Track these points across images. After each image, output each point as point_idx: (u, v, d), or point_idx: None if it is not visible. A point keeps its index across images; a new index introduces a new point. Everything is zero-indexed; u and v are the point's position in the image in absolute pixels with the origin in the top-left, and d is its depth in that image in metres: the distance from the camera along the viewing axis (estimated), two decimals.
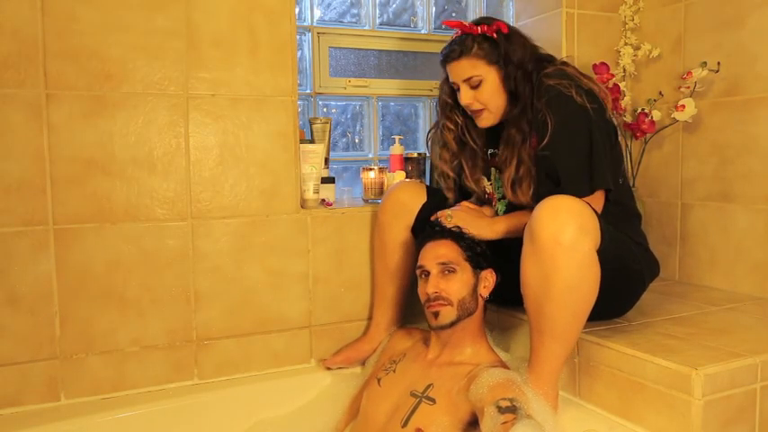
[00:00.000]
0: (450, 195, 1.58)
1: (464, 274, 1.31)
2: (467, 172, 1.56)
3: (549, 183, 1.33)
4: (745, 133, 1.69)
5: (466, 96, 1.43)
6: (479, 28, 1.41)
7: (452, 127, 1.55)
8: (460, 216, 1.40)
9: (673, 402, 1.12)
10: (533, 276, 1.18)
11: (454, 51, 1.42)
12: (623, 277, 1.31)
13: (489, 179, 1.55)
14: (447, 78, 1.51)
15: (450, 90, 1.53)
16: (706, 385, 1.09)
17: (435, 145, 1.62)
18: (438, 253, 1.32)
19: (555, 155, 1.32)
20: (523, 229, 1.22)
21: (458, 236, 1.34)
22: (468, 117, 1.52)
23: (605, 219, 1.24)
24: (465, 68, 1.42)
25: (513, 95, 1.41)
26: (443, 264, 1.31)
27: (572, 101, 1.31)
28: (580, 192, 1.28)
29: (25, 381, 1.41)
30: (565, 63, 1.44)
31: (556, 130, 1.31)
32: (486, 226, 1.40)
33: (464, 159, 1.56)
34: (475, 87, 1.42)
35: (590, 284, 1.17)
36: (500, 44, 1.39)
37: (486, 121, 1.46)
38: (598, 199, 1.34)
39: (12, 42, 1.36)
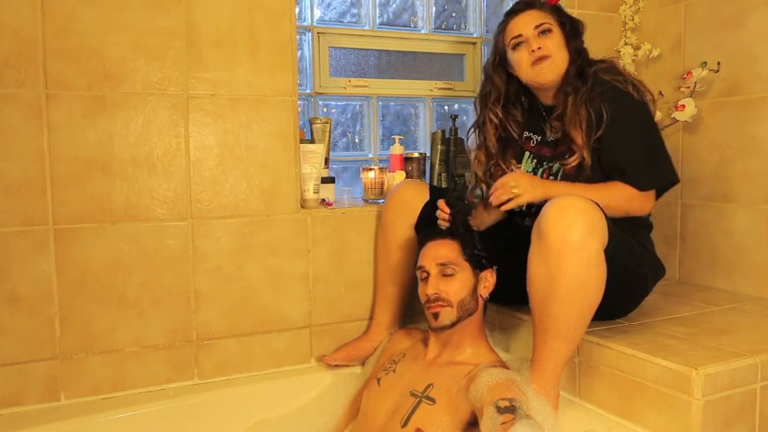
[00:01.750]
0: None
1: (464, 274, 1.31)
2: (500, 161, 1.58)
3: (599, 171, 1.37)
4: (745, 133, 1.69)
5: (536, 42, 1.45)
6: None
7: (495, 120, 1.56)
8: (519, 182, 1.33)
9: (673, 402, 1.12)
10: (540, 275, 1.18)
11: (522, 3, 1.50)
12: (627, 279, 1.31)
13: (519, 162, 1.55)
14: (497, 62, 1.54)
15: (502, 74, 1.55)
16: (706, 385, 1.09)
17: (473, 144, 1.64)
18: (438, 254, 1.32)
19: (615, 146, 1.36)
20: None
21: (458, 235, 1.34)
22: (507, 110, 1.56)
23: (617, 221, 1.24)
24: (536, 16, 1.46)
25: (573, 58, 1.45)
26: (443, 264, 1.30)
27: (629, 96, 1.36)
28: (651, 183, 1.36)
29: (25, 381, 1.41)
30: (614, 62, 1.47)
31: (613, 121, 1.35)
32: (541, 185, 1.37)
33: (499, 152, 1.57)
34: (544, 33, 1.45)
35: (596, 284, 1.17)
36: (562, 11, 1.51)
37: (548, 71, 1.44)
38: (652, 196, 1.38)
39: (12, 42, 1.36)
